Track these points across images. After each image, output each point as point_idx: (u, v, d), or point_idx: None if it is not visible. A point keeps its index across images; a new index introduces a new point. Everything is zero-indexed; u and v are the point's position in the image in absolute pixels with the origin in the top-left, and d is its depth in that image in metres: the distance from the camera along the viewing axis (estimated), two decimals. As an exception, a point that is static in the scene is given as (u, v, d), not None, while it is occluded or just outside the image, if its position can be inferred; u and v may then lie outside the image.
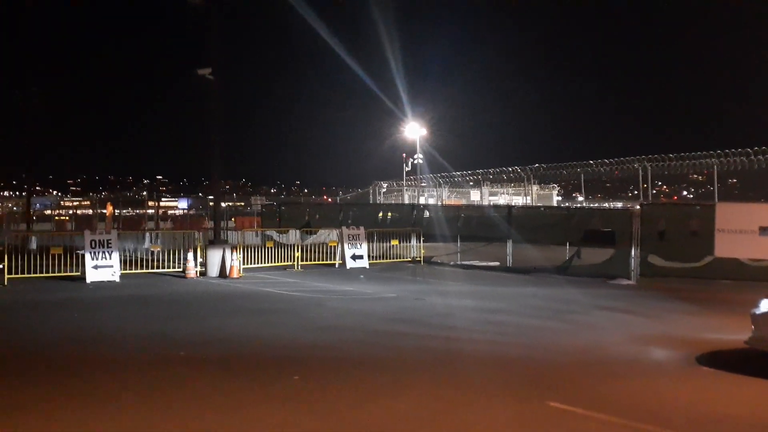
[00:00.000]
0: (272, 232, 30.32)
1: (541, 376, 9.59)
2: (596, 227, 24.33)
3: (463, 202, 65.77)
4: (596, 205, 63.39)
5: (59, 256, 21.34)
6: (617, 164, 58.45)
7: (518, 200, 63.99)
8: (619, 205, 59.00)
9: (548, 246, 25.18)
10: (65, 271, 20.94)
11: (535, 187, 64.18)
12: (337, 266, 25.20)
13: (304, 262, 25.02)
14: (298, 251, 24.92)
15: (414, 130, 58.45)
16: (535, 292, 18.58)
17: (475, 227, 28.43)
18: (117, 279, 20.50)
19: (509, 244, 25.42)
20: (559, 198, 70.04)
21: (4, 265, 19.54)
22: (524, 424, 7.50)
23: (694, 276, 20.68)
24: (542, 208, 40.42)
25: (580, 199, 68.82)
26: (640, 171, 56.00)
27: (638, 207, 24.61)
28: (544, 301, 17.04)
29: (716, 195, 51.79)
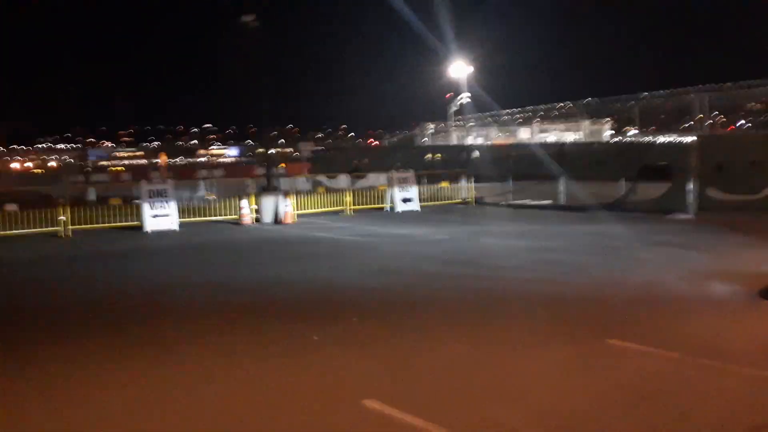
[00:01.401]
0: (322, 178, 30.57)
1: (598, 314, 9.56)
2: (652, 161, 23.85)
3: (513, 141, 64.91)
4: (651, 138, 61.80)
5: (118, 206, 21.93)
6: (672, 95, 56.69)
7: (569, 136, 62.81)
8: (675, 137, 57.41)
9: (602, 182, 24.81)
10: (124, 221, 21.53)
11: (586, 123, 62.83)
12: (387, 209, 25.31)
13: (355, 207, 25.18)
14: (348, 196, 25.07)
15: (460, 69, 57.45)
16: (590, 230, 18.38)
17: (525, 166, 28.17)
18: (176, 227, 21.00)
19: (561, 182, 25.10)
20: (612, 132, 68.42)
21: (65, 217, 20.17)
22: (583, 362, 7.51)
23: (755, 209, 20.14)
24: (595, 144, 39.71)
25: (633, 132, 67.14)
26: (697, 101, 54.26)
27: (695, 139, 23.95)
28: (599, 238, 16.86)
29: (776, 124, 49.94)
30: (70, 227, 20.22)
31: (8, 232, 19.70)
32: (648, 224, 18.86)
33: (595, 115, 64.23)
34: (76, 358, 8.06)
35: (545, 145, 33.60)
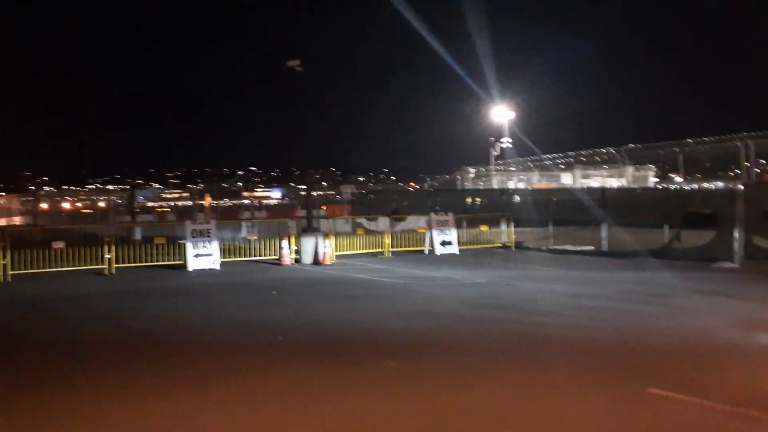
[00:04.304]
0: (362, 220, 30.74)
1: (638, 363, 9.35)
2: (696, 209, 23.44)
3: (554, 185, 64.44)
4: (696, 185, 60.81)
5: (162, 245, 22.38)
6: (717, 142, 55.86)
7: (612, 182, 62.13)
8: (721, 185, 56.37)
9: (645, 229, 24.39)
10: (168, 260, 21.92)
11: (630, 169, 62.14)
12: (426, 252, 25.28)
13: (394, 249, 25.22)
14: (387, 238, 25.15)
15: (502, 114, 57.62)
16: (632, 277, 18.08)
17: (567, 211, 27.89)
18: (217, 267, 21.29)
19: (604, 228, 24.79)
20: (656, 179, 67.47)
21: (111, 255, 20.64)
22: (622, 410, 7.36)
23: (804, 258, 19.56)
24: (638, 190, 39.19)
25: (678, 179, 66.16)
26: (743, 149, 53.34)
27: (741, 187, 23.52)
28: (642, 285, 16.56)
29: (827, 172, 48.76)
30: (115, 265, 20.67)
31: (55, 268, 20.23)
32: (692, 272, 18.48)
33: (639, 161, 63.55)
34: (112, 391, 8.19)
35: (587, 191, 33.26)
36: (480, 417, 7.20)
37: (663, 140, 59.77)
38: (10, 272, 19.40)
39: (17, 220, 56.17)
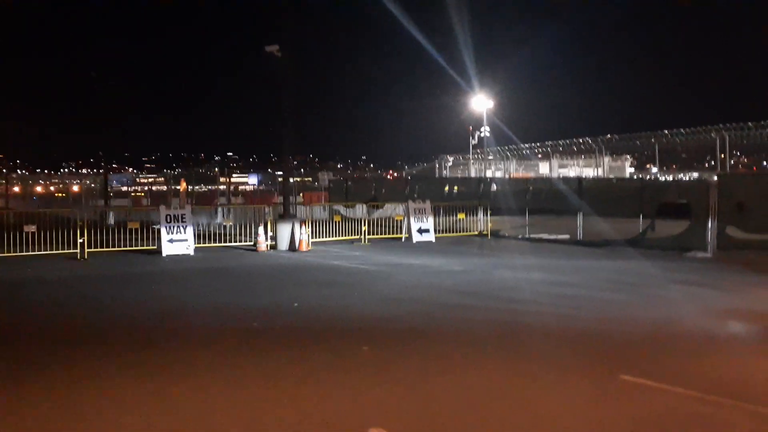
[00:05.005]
0: (339, 207, 30.65)
1: (612, 350, 9.41)
2: (671, 199, 23.65)
3: (532, 174, 64.80)
4: (671, 176, 61.45)
5: (136, 230, 22.12)
6: (693, 134, 56.48)
7: (589, 172, 62.59)
8: (696, 175, 57.01)
9: (621, 219, 24.58)
10: (142, 245, 21.69)
11: (606, 159, 62.68)
12: (403, 240, 25.27)
13: (371, 236, 25.17)
14: (365, 225, 25.09)
15: (481, 103, 57.69)
16: (607, 266, 18.20)
17: (543, 200, 28.04)
18: (191, 252, 21.09)
19: (579, 217, 24.94)
20: (632, 169, 68.11)
21: (84, 240, 20.35)
22: (595, 397, 7.39)
23: (775, 248, 19.81)
24: (614, 180, 39.56)
25: (654, 170, 66.83)
26: (718, 140, 54.00)
27: (716, 178, 23.78)
28: (616, 274, 16.68)
29: (799, 164, 49.57)
30: (87, 250, 20.38)
31: (27, 252, 19.91)
32: (666, 262, 18.65)
33: (616, 151, 64.12)
34: (87, 378, 8.07)
35: (564, 180, 33.42)
36: (460, 404, 7.19)
37: (640, 131, 60.33)
38: (-20, 256, 19.05)
39: (-12, 204, 55.21)
